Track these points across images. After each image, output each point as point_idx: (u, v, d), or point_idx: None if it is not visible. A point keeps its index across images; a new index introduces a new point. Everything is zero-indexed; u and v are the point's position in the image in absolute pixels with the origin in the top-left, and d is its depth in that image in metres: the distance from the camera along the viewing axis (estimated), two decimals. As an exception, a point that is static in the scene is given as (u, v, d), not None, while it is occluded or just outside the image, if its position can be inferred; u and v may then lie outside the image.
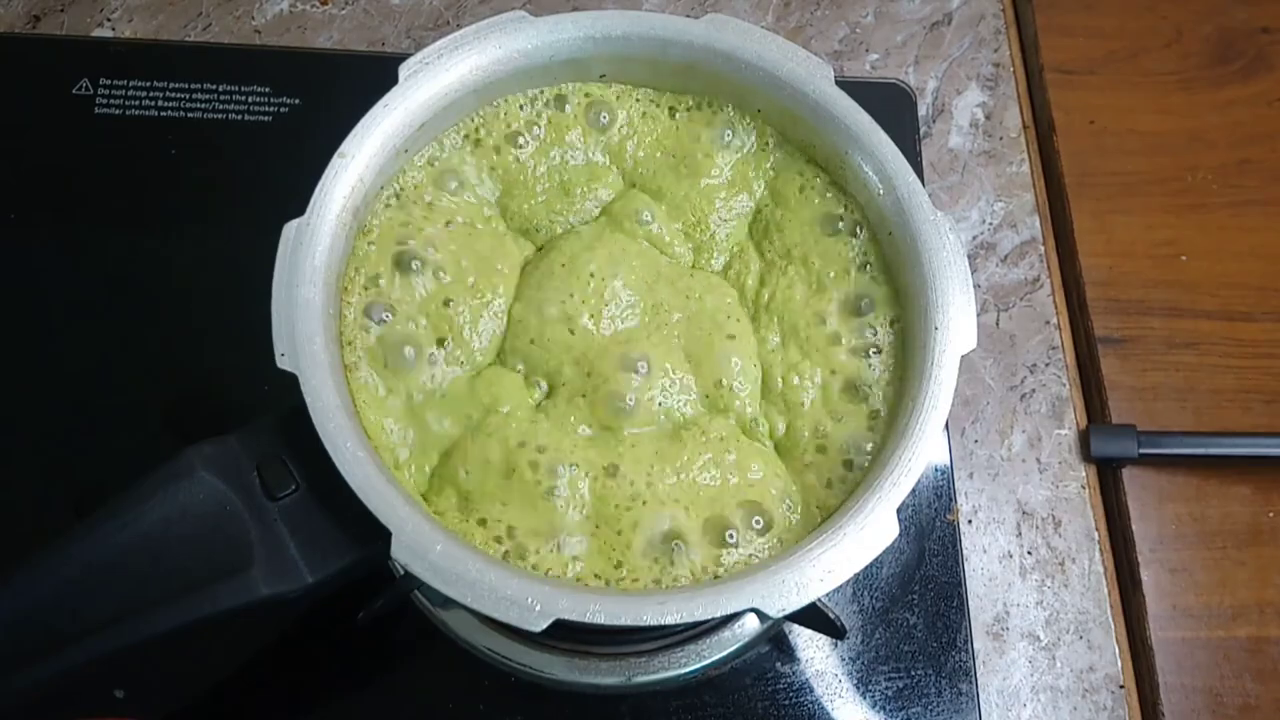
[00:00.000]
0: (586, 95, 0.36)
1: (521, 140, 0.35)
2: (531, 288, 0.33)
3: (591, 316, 0.33)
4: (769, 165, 0.36)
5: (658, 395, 0.32)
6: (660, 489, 0.31)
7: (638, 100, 0.36)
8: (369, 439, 0.30)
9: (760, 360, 0.33)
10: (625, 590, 0.30)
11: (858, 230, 0.34)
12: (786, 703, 0.40)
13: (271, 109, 0.48)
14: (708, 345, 0.33)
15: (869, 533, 0.29)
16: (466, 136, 0.35)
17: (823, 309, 0.34)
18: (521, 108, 0.35)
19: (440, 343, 0.32)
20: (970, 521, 0.45)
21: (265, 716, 0.39)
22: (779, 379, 0.33)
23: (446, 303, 0.33)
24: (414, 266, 0.33)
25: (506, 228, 0.35)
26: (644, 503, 0.31)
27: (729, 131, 0.36)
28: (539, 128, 0.35)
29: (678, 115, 0.36)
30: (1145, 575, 0.44)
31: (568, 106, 0.36)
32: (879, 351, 0.33)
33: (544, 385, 0.33)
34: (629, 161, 0.36)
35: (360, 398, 0.31)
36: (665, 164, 0.36)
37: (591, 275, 0.33)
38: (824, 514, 0.31)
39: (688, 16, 0.34)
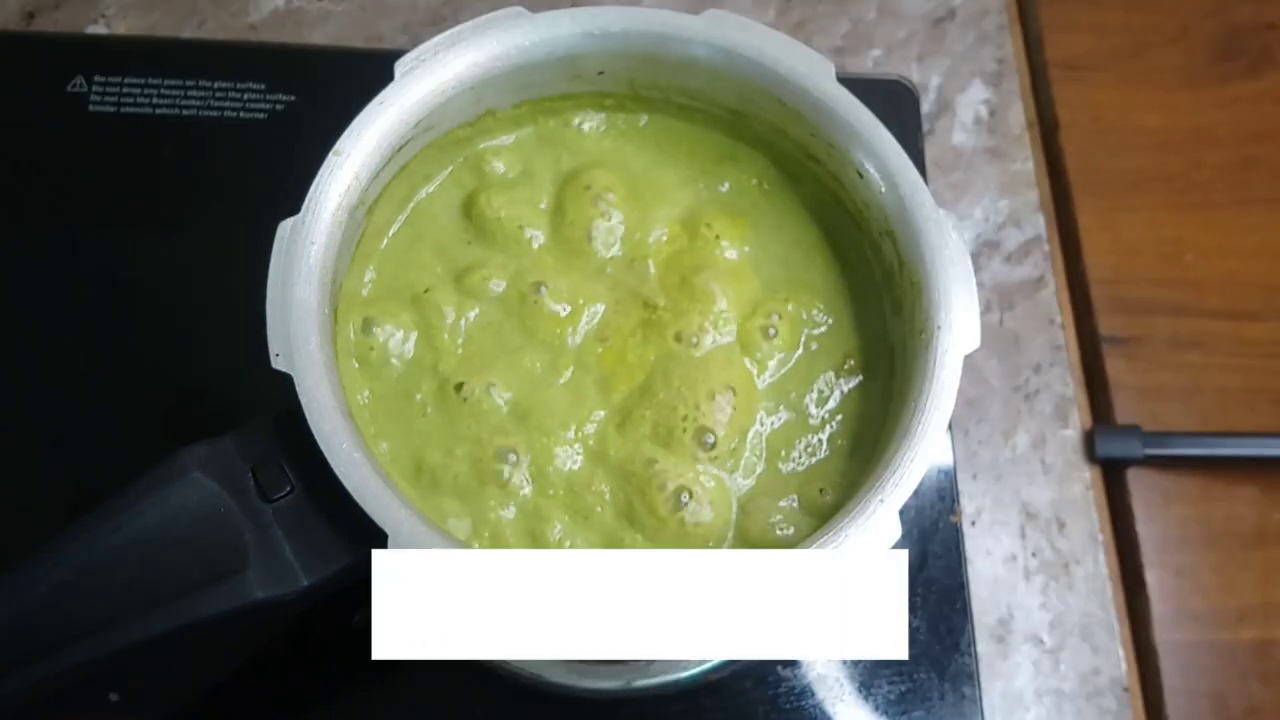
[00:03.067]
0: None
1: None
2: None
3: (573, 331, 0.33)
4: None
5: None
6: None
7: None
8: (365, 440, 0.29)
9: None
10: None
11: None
12: (787, 707, 0.40)
13: (267, 106, 0.48)
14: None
15: (871, 535, 0.28)
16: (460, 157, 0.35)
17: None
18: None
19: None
20: (973, 523, 0.44)
21: (261, 720, 0.39)
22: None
23: (431, 318, 0.33)
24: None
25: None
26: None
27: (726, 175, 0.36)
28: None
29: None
30: (1150, 577, 0.44)
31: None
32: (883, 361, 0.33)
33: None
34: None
35: (355, 398, 0.31)
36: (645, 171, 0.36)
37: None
38: (821, 519, 0.31)
39: (688, 12, 0.34)
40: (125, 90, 0.47)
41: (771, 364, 0.33)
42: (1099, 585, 0.44)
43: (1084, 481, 0.46)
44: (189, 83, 0.48)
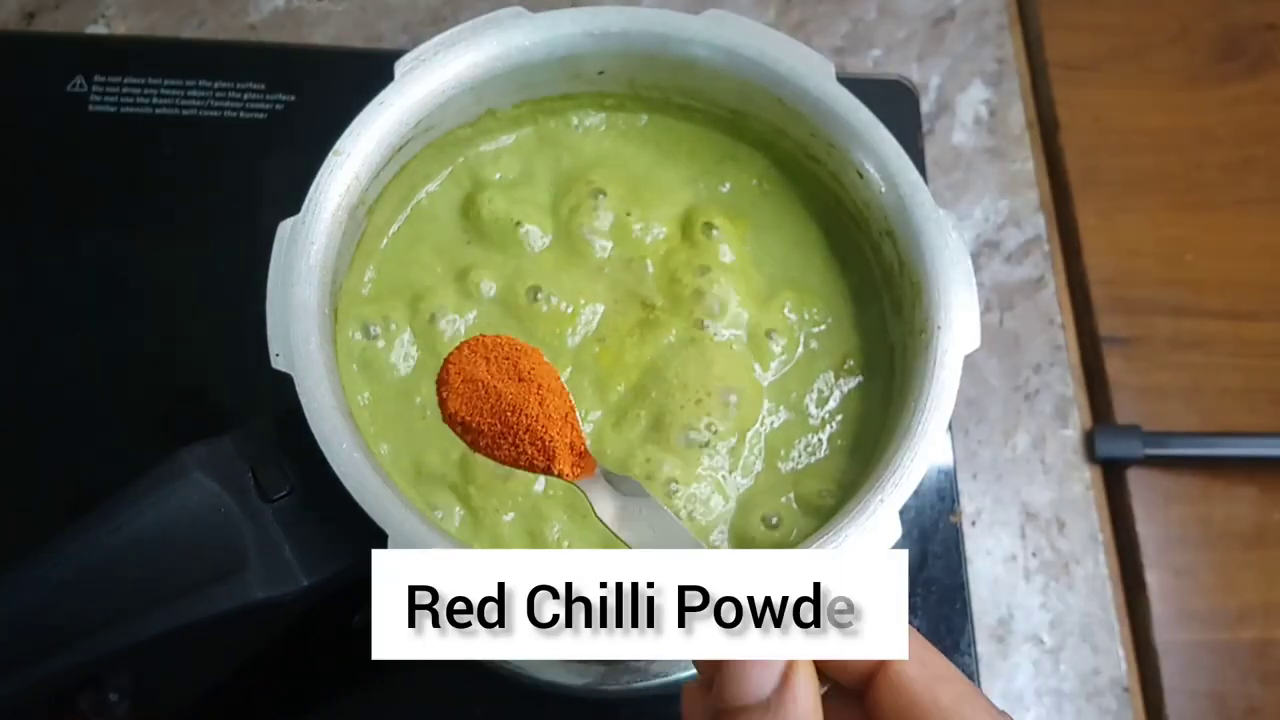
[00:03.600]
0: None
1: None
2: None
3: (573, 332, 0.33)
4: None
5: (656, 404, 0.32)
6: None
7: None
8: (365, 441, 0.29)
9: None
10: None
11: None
12: (788, 706, 0.40)
13: (267, 106, 0.48)
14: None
15: (871, 535, 0.28)
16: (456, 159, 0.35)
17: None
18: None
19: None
20: (974, 523, 0.44)
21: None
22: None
23: (431, 318, 0.33)
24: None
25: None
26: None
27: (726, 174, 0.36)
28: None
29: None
30: (1150, 577, 0.44)
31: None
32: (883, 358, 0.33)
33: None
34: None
35: (355, 399, 0.31)
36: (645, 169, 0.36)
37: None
38: (821, 519, 0.31)
39: (688, 12, 0.34)
40: (125, 90, 0.47)
41: (771, 364, 0.33)
42: (1099, 585, 0.44)
43: (1084, 481, 0.46)
44: (189, 83, 0.48)
